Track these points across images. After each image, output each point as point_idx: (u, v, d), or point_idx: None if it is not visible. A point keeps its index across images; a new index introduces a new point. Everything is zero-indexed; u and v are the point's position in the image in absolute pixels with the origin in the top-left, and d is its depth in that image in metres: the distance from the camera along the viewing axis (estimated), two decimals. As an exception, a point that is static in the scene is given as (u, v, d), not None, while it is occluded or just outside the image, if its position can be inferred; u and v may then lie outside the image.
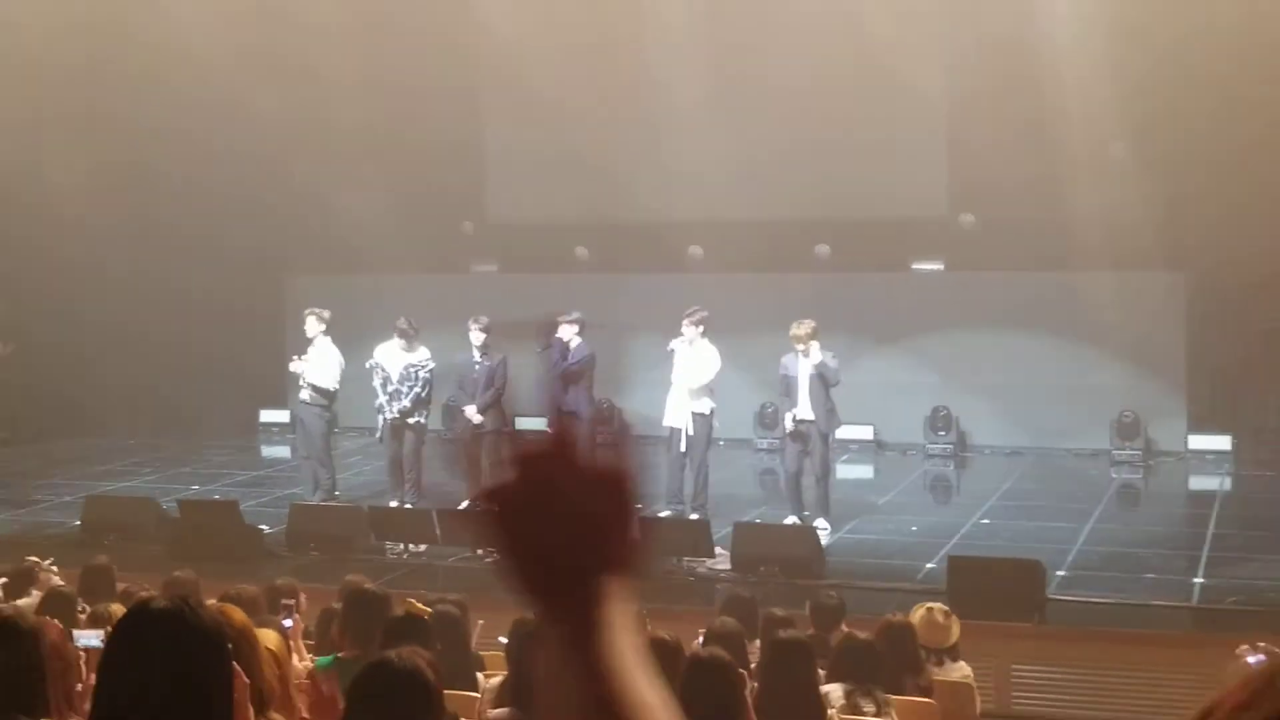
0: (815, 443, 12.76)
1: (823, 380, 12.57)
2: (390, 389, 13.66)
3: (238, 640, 4.01)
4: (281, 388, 17.81)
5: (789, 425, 12.77)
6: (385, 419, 13.78)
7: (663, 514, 12.80)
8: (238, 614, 4.31)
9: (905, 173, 16.87)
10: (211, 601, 4.69)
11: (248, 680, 3.14)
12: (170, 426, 18.49)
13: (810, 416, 12.65)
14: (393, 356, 13.75)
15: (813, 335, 12.62)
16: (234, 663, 3.03)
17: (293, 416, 14.28)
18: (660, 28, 15.64)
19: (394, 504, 13.55)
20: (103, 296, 17.29)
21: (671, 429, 13.01)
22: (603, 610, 1.23)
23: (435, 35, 16.50)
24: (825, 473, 12.92)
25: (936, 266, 17.37)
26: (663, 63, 15.79)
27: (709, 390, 12.95)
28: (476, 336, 13.61)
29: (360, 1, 16.02)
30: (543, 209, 17.85)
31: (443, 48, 16.78)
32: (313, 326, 13.86)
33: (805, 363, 12.62)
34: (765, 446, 16.45)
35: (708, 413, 12.93)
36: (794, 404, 12.68)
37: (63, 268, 17.12)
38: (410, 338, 13.75)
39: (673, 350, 13.09)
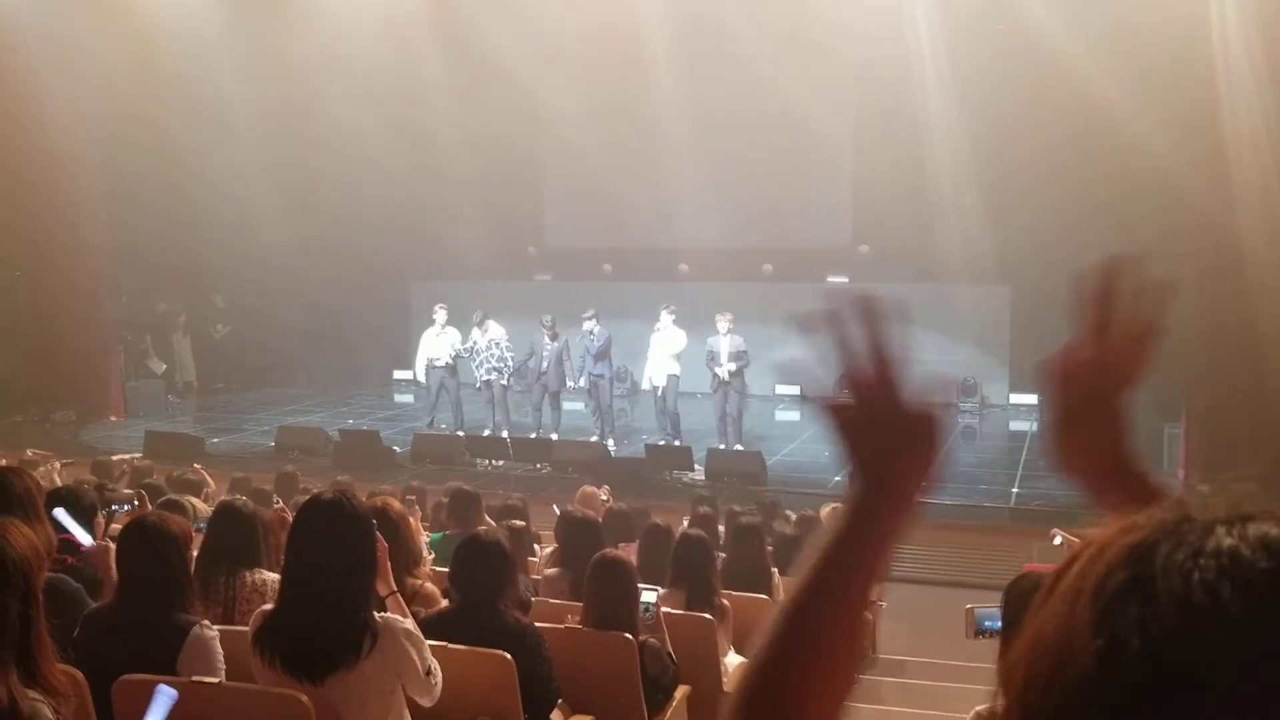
0: (731, 396, 12.86)
1: (734, 359, 12.72)
2: (479, 358, 13.68)
3: (398, 522, 4.08)
4: (407, 354, 17.85)
5: (715, 383, 12.88)
6: (479, 377, 13.80)
7: (659, 442, 12.87)
8: (395, 505, 4.33)
9: (823, 217, 16.83)
10: (381, 496, 4.74)
11: (387, 545, 3.18)
12: (333, 380, 18.52)
13: (726, 379, 12.77)
14: (478, 335, 13.76)
15: (730, 325, 12.79)
16: (378, 533, 3.09)
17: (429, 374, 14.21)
18: (662, 115, 15.61)
19: (486, 433, 13.59)
20: (289, 291, 17.32)
21: (654, 385, 13.14)
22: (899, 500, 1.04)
23: (513, 111, 16.46)
24: (739, 414, 13.00)
25: (843, 280, 17.33)
26: (665, 137, 15.75)
27: (677, 359, 13.05)
28: (546, 325, 13.57)
29: (461, 90, 15.93)
30: (582, 238, 17.81)
31: (518, 125, 16.74)
32: (440, 316, 13.92)
33: (725, 341, 12.75)
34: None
35: (676, 374, 13.04)
36: (720, 369, 12.78)
37: (262, 272, 17.14)
38: (480, 324, 13.75)
39: (657, 330, 13.18)
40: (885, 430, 1.04)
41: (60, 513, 3.87)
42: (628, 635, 4.11)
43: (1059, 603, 0.62)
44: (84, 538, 3.95)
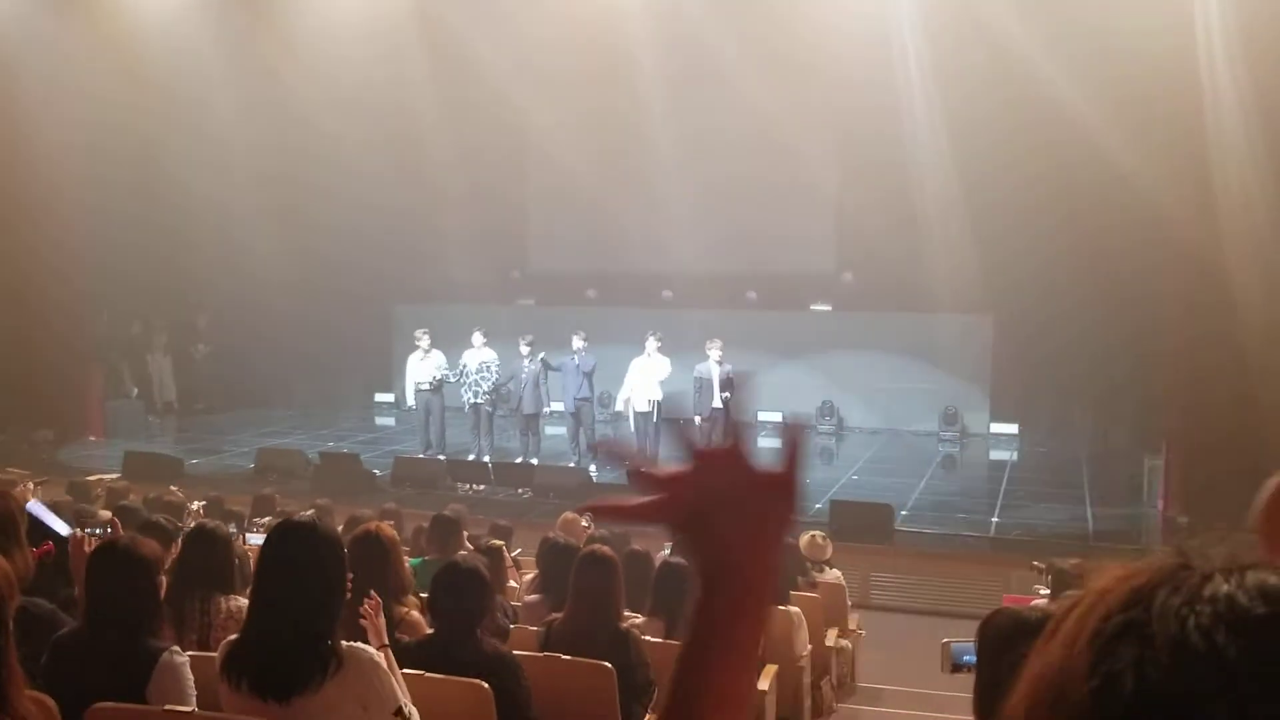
0: (720, 423, 12.86)
1: (728, 384, 12.74)
2: (469, 380, 13.66)
3: (389, 548, 4.05)
4: (389, 377, 17.81)
5: (705, 412, 12.92)
6: (467, 400, 13.78)
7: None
8: (387, 530, 4.28)
9: (807, 244, 16.91)
10: (373, 521, 4.70)
11: (376, 574, 3.15)
12: (314, 402, 18.43)
13: (719, 405, 12.78)
14: (470, 357, 13.77)
15: (721, 353, 12.83)
16: (345, 559, 3.06)
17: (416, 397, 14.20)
18: (647, 141, 15.67)
19: (470, 457, 13.54)
20: (271, 312, 17.24)
21: (638, 411, 13.16)
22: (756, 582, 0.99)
23: (499, 139, 16.54)
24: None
25: (827, 308, 17.39)
26: (650, 162, 15.81)
27: (660, 385, 13.07)
28: (524, 349, 13.61)
29: (447, 113, 15.99)
30: (565, 262, 17.84)
31: (502, 148, 16.80)
32: (423, 341, 13.89)
33: (716, 369, 12.77)
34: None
35: (660, 399, 13.06)
36: (707, 398, 12.80)
37: (245, 295, 17.09)
38: (481, 344, 13.78)
39: (646, 356, 13.19)
40: (735, 502, 0.97)
41: (34, 505, 3.85)
42: (606, 664, 4.09)
43: (1059, 645, 0.64)
44: (61, 527, 3.90)
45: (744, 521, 0.98)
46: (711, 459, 0.99)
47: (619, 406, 13.81)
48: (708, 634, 0.98)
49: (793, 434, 1.02)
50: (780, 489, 1.00)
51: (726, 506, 0.98)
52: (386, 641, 3.26)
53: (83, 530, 3.97)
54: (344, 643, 2.93)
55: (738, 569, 0.98)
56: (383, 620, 3.36)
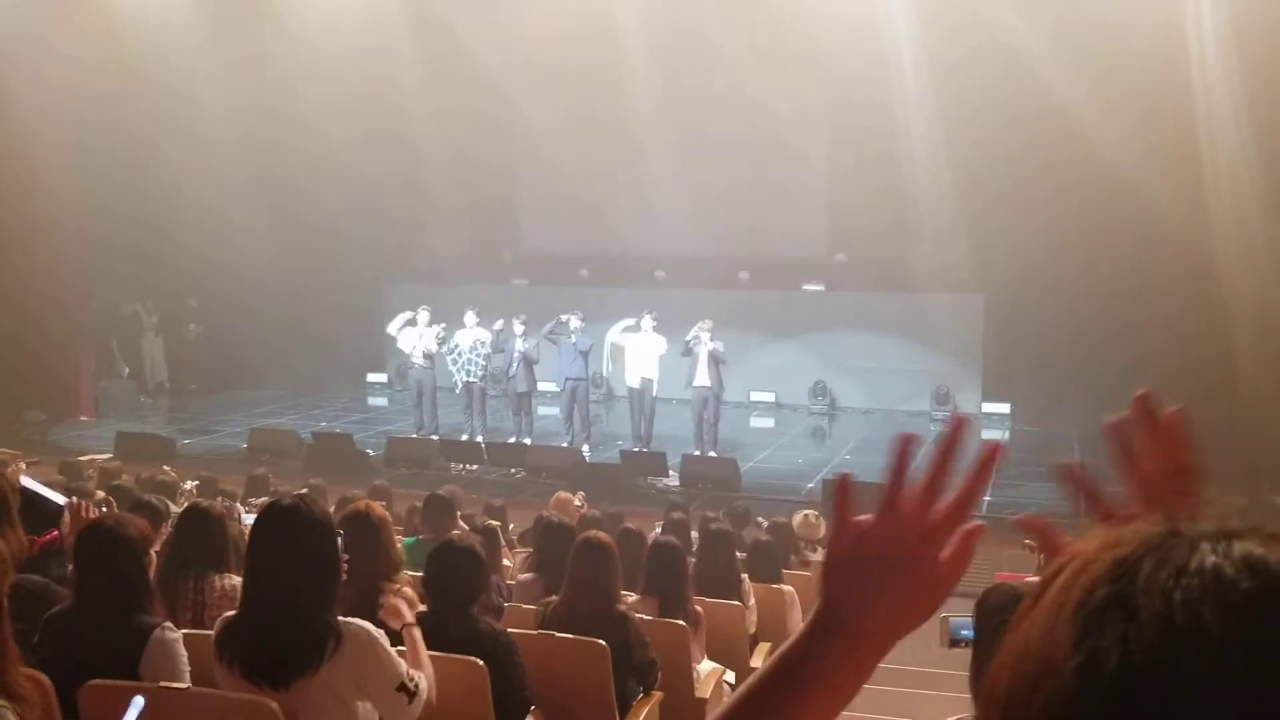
0: (710, 401, 12.84)
1: (715, 360, 12.70)
2: (463, 359, 13.59)
3: (379, 527, 4.02)
4: (382, 357, 17.77)
5: (694, 375, 12.92)
6: (459, 380, 13.71)
7: (634, 448, 12.85)
8: (377, 509, 4.23)
9: (799, 225, 16.88)
10: (363, 500, 4.68)
11: (373, 551, 3.12)
12: (307, 382, 18.39)
13: (707, 383, 12.75)
14: (463, 336, 13.69)
15: (710, 330, 12.78)
16: (336, 539, 3.03)
17: (403, 376, 14.10)
18: (640, 122, 15.62)
19: (464, 437, 13.50)
20: (264, 296, 17.18)
21: (631, 388, 13.14)
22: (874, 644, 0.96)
23: (491, 119, 16.47)
24: (716, 419, 12.97)
25: (819, 288, 17.38)
26: (642, 143, 15.76)
27: (657, 364, 13.05)
28: (518, 328, 13.53)
29: (437, 93, 15.93)
30: (558, 243, 17.80)
31: (494, 128, 16.73)
32: (422, 317, 13.80)
33: (703, 348, 12.73)
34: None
35: (654, 378, 13.04)
36: (694, 374, 12.78)
37: (236, 276, 17.01)
38: (474, 324, 13.71)
39: (641, 332, 13.18)
40: (891, 570, 0.97)
41: (28, 480, 3.83)
42: (600, 641, 4.09)
43: (1043, 615, 0.61)
44: (57, 498, 3.88)
45: (899, 591, 0.97)
46: (905, 518, 0.99)
47: (620, 387, 13.76)
48: (808, 667, 0.96)
49: (971, 536, 1.00)
50: (940, 583, 0.98)
51: (893, 570, 0.96)
52: (411, 619, 3.24)
53: (79, 500, 3.96)
54: (341, 619, 2.91)
55: (870, 625, 0.96)
56: (401, 602, 3.34)
